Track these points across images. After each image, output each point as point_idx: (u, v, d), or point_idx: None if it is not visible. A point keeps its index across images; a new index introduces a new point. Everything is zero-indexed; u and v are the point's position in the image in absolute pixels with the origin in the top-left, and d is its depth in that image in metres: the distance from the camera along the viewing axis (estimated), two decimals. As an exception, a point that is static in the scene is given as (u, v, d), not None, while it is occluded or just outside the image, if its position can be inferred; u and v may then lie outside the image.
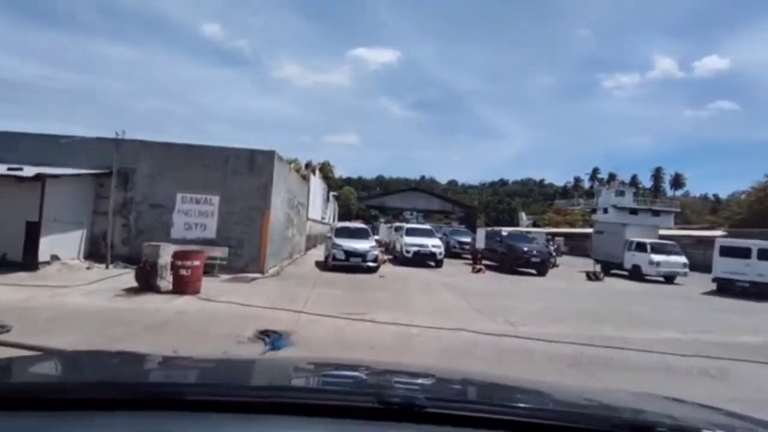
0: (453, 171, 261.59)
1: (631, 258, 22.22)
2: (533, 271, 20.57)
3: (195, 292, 10.09)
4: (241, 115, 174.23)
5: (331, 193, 45.62)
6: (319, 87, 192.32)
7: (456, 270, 19.80)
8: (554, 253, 25.51)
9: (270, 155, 14.83)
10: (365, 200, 68.39)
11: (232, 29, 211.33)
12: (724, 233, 33.08)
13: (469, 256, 23.51)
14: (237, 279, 12.71)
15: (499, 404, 1.24)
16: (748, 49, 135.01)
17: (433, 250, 20.09)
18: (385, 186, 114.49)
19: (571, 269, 24.47)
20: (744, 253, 18.01)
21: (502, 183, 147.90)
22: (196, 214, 14.21)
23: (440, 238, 29.42)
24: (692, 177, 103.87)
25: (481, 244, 20.47)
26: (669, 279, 21.24)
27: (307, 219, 24.51)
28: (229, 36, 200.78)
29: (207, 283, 10.78)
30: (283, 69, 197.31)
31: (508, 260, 20.44)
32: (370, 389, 1.36)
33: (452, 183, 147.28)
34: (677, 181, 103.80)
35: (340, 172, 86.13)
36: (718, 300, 16.37)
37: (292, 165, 28.81)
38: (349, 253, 16.34)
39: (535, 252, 20.25)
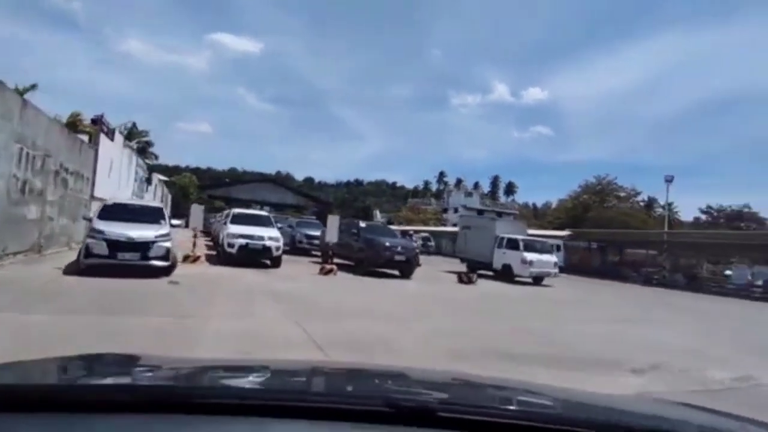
0: (311, 168, 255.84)
1: (501, 257, 19.08)
2: (396, 272, 16.14)
3: None
4: (71, 86, 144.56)
5: (157, 176, 36.75)
6: (170, 68, 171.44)
7: (299, 270, 14.34)
8: (418, 251, 21.58)
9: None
10: (208, 189, 58.99)
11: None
12: (569, 233, 33.37)
13: (320, 253, 18.32)
14: None
15: (513, 409, 1.20)
16: (562, 84, 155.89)
17: (269, 244, 14.28)
18: (237, 178, 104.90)
19: (434, 269, 20.70)
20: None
21: (358, 183, 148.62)
22: None
23: (284, 230, 23.93)
24: (519, 187, 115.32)
25: (333, 238, 15.28)
26: (537, 280, 18.55)
27: (93, 197, 16.82)
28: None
29: None
30: (128, 43, 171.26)
31: (367, 258, 15.60)
32: (382, 393, 1.29)
33: (309, 180, 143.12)
34: (510, 189, 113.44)
35: (188, 160, 74.54)
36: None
37: (71, 120, 20.32)
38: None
39: (399, 248, 15.72)
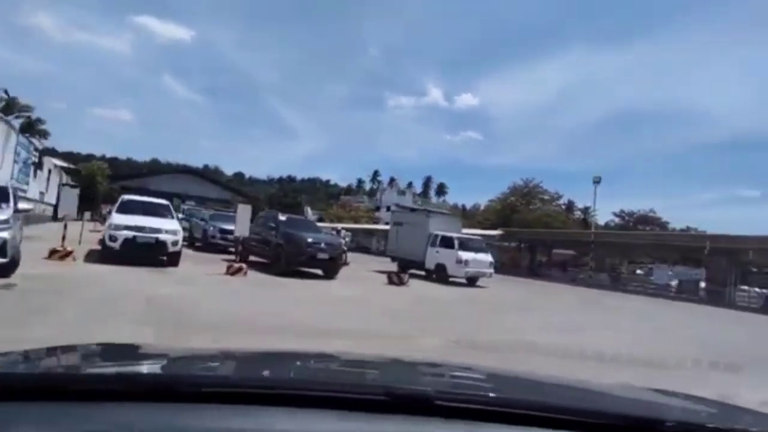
0: (242, 164, 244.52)
1: (434, 256, 17.60)
2: (319, 272, 14.12)
3: None
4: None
5: (51, 160, 32.03)
6: (87, 49, 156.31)
7: (202, 270, 11.91)
8: (345, 248, 19.64)
9: None
10: (120, 180, 53.20)
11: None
12: (501, 232, 32.99)
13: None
14: None
15: (509, 398, 1.16)
16: (491, 92, 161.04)
17: (163, 237, 11.65)
18: (159, 171, 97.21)
19: (364, 268, 18.90)
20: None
21: (290, 180, 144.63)
22: None
23: (196, 224, 21.11)
24: (449, 188, 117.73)
25: (244, 231, 12.98)
26: (472, 280, 17.29)
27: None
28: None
29: None
30: (36, 17, 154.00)
31: (285, 256, 13.41)
32: (380, 382, 1.31)
33: (239, 175, 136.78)
34: (441, 189, 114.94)
35: (104, 149, 67.07)
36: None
37: None
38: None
39: (323, 245, 13.68)
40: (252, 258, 14.97)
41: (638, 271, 36.47)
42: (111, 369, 1.28)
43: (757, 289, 23.39)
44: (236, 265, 12.03)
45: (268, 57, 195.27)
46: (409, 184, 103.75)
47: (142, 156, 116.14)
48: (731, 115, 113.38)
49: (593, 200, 26.26)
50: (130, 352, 1.53)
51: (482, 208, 63.27)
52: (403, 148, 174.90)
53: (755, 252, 20.85)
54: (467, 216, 75.09)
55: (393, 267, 18.68)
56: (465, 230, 24.09)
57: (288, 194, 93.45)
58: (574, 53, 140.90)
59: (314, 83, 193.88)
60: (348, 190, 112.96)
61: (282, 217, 14.88)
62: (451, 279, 17.04)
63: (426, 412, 0.96)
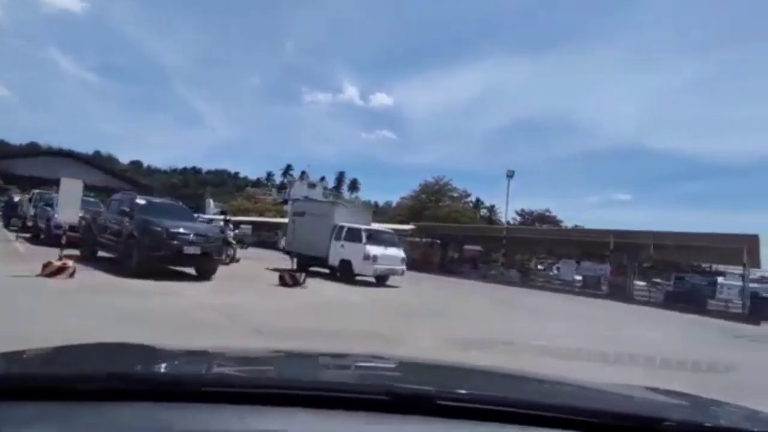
0: (141, 152, 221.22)
1: (339, 251, 15.07)
2: (192, 271, 11.01)
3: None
4: None
5: None
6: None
7: (9, 271, 8.29)
8: (234, 242, 16.44)
9: None
10: (-26, 161, 44.05)
11: None
12: (413, 227, 31.32)
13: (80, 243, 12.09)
14: None
15: (511, 397, 1.13)
16: (406, 93, 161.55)
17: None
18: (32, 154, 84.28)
19: (259, 265, 15.88)
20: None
21: (196, 171, 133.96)
22: None
23: (36, 209, 16.73)
24: (363, 185, 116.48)
25: (71, 217, 9.49)
26: (381, 279, 15.06)
27: None
28: None
29: None
30: None
31: (139, 251, 10.08)
32: (381, 382, 1.28)
33: (136, 163, 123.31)
34: (354, 186, 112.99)
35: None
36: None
37: None
38: None
39: (192, 237, 10.53)
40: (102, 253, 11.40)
41: (539, 267, 37.11)
42: (110, 369, 1.18)
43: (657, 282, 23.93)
44: (57, 263, 8.54)
45: (175, 39, 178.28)
46: (322, 179, 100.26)
47: (18, 138, 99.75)
48: (613, 128, 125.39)
49: (506, 194, 25.58)
50: (129, 351, 1.49)
51: (395, 205, 62.89)
52: (319, 144, 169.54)
53: (654, 247, 21.06)
54: (380, 213, 74.10)
55: (294, 265, 15.95)
56: (377, 225, 21.94)
57: (190, 185, 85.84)
58: (488, 62, 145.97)
59: (226, 71, 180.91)
60: (257, 184, 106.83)
61: (140, 201, 11.43)
62: (358, 278, 14.66)
63: (428, 412, 0.95)
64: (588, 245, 25.54)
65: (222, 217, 21.22)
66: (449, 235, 30.44)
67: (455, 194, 54.14)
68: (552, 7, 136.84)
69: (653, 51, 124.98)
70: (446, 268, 28.55)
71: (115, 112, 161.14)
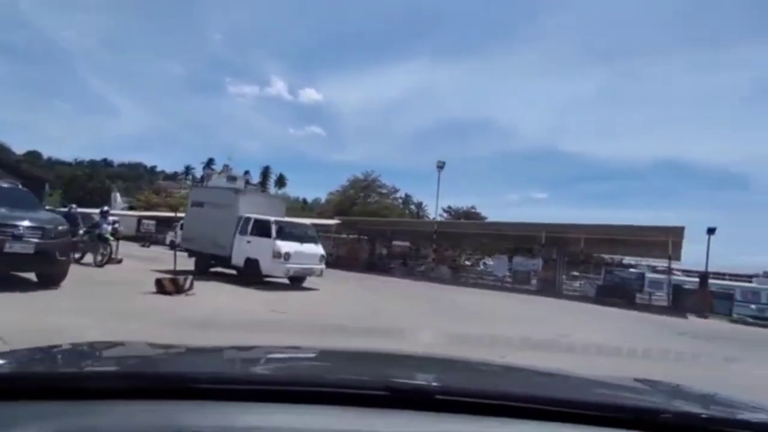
0: (39, 141, 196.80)
1: (244, 248, 12.36)
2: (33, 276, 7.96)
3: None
4: None
5: None
6: None
7: None
8: (111, 239, 13.12)
9: None
10: None
11: None
12: (338, 221, 28.91)
13: None
14: None
15: (510, 391, 1.12)
16: (337, 90, 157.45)
17: None
18: None
19: (143, 267, 12.80)
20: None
21: (107, 163, 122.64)
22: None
23: None
24: (291, 181, 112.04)
25: None
26: (296, 280, 12.62)
27: None
28: None
29: None
30: None
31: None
32: (379, 377, 1.19)
33: (33, 154, 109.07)
34: (281, 181, 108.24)
35: None
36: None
37: None
38: None
39: (21, 230, 7.48)
40: None
41: (467, 263, 36.24)
42: (109, 367, 1.25)
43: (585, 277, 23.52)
44: None
45: (84, 17, 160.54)
46: (246, 173, 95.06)
47: None
48: (531, 130, 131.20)
49: (437, 184, 24.12)
50: (128, 349, 1.50)
51: (324, 201, 61.03)
52: (245, 138, 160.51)
53: (585, 242, 20.44)
54: (309, 209, 71.30)
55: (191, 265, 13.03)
56: (305, 221, 19.35)
57: (95, 178, 77.10)
58: (416, 62, 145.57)
59: (142, 57, 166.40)
60: (173, 177, 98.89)
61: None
62: (267, 279, 12.10)
63: (427, 407, 0.94)
64: (519, 240, 24.69)
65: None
66: (377, 231, 28.41)
67: (384, 190, 53.60)
68: (477, 12, 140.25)
69: (564, 59, 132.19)
70: (374, 265, 26.57)
71: (8, 97, 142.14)
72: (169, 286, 8.92)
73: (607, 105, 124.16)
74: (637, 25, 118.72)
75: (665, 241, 18.68)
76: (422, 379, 1.23)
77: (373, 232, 28.92)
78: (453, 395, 0.98)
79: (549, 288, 21.76)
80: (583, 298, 20.98)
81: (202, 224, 13.44)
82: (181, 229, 16.69)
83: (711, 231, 18.19)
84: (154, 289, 8.94)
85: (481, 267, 30.61)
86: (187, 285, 9.24)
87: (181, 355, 1.47)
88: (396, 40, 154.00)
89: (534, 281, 22.90)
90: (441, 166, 24.41)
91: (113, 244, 13.20)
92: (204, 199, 14.32)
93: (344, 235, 29.22)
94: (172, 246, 14.70)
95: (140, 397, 0.91)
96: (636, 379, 1.55)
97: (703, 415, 1.09)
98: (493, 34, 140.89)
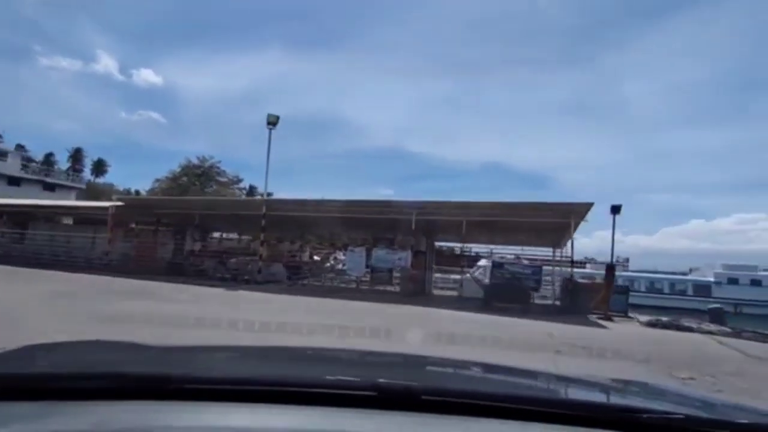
0: None
1: None
2: None
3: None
4: None
5: None
6: None
7: None
8: None
9: None
10: None
11: None
12: (118, 203, 18.97)
13: None
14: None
15: (496, 392, 1.11)
16: (178, 73, 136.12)
17: None
18: None
19: None
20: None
21: None
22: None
23: None
24: (118, 170, 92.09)
25: None
26: None
27: None
28: None
29: None
30: None
31: None
32: (367, 377, 1.19)
33: None
34: (100, 168, 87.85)
35: None
36: None
37: None
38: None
39: None
40: None
41: (315, 258, 28.85)
42: (101, 367, 1.18)
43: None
44: None
45: None
46: (49, 155, 74.31)
47: None
48: (381, 130, 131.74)
49: (267, 150, 16.52)
50: (120, 349, 1.45)
51: (147, 190, 49.23)
52: (60, 119, 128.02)
53: (467, 226, 14.72)
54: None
55: None
56: None
57: None
58: (268, 53, 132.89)
59: None
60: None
61: None
62: None
63: (413, 407, 0.92)
64: (380, 225, 18.22)
65: None
66: (185, 217, 19.24)
67: (224, 179, 44.52)
68: (333, 9, 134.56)
69: (416, 66, 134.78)
70: (180, 268, 17.73)
71: None
72: None
73: (448, 111, 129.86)
74: (477, 46, 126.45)
75: (567, 222, 13.90)
76: (410, 380, 1.16)
77: (181, 220, 19.76)
78: (439, 395, 0.96)
79: (418, 290, 15.75)
80: (463, 302, 15.23)
81: None
82: None
83: (616, 209, 13.97)
84: None
85: (331, 262, 23.67)
86: None
87: (170, 355, 1.45)
88: (249, 27, 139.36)
89: (397, 281, 16.76)
90: (273, 122, 16.70)
91: None
92: None
93: (134, 226, 19.48)
94: None
95: (129, 397, 0.89)
96: (614, 380, 1.52)
97: (686, 416, 1.04)
98: (349, 33, 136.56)
